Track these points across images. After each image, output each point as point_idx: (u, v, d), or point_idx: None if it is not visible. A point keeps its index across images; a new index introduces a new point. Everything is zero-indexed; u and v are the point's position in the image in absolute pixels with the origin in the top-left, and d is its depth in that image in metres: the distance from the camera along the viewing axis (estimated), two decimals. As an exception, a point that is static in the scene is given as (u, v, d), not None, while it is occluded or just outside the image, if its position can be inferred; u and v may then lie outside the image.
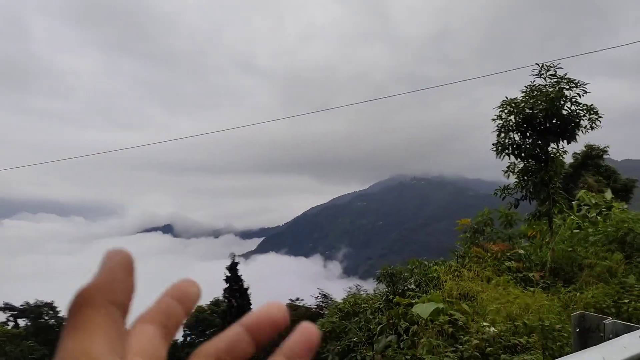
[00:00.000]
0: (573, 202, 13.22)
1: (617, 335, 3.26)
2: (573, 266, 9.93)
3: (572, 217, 12.27)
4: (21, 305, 41.17)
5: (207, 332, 33.84)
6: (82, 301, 0.53)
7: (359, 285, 12.81)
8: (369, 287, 12.61)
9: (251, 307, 31.22)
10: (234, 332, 0.56)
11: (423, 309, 5.99)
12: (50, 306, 42.91)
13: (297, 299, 30.66)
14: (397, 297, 7.36)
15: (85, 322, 0.53)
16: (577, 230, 11.12)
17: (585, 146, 25.20)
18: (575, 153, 25.31)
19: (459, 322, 5.72)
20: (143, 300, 0.57)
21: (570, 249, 10.41)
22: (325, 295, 22.53)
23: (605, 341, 3.24)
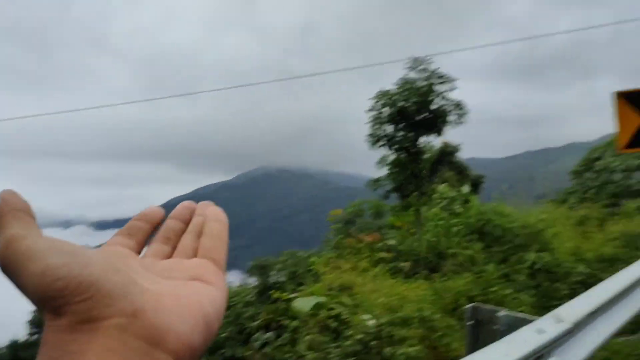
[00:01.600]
0: (434, 195, 13.84)
1: (509, 327, 3.18)
2: (437, 256, 10.30)
3: (434, 209, 12.81)
4: None
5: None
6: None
7: (223, 278, 12.27)
8: (233, 279, 12.19)
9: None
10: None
11: (304, 304, 5.68)
12: None
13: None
14: (277, 291, 6.97)
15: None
16: (442, 221, 11.57)
17: (442, 142, 26.81)
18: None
19: (342, 316, 5.50)
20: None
21: (435, 239, 10.80)
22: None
23: (499, 334, 3.16)
